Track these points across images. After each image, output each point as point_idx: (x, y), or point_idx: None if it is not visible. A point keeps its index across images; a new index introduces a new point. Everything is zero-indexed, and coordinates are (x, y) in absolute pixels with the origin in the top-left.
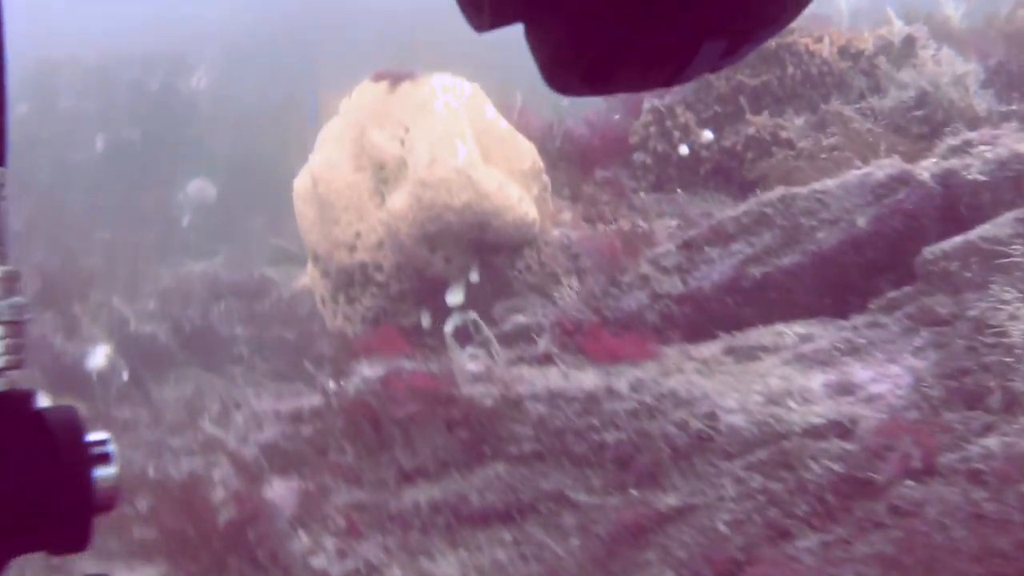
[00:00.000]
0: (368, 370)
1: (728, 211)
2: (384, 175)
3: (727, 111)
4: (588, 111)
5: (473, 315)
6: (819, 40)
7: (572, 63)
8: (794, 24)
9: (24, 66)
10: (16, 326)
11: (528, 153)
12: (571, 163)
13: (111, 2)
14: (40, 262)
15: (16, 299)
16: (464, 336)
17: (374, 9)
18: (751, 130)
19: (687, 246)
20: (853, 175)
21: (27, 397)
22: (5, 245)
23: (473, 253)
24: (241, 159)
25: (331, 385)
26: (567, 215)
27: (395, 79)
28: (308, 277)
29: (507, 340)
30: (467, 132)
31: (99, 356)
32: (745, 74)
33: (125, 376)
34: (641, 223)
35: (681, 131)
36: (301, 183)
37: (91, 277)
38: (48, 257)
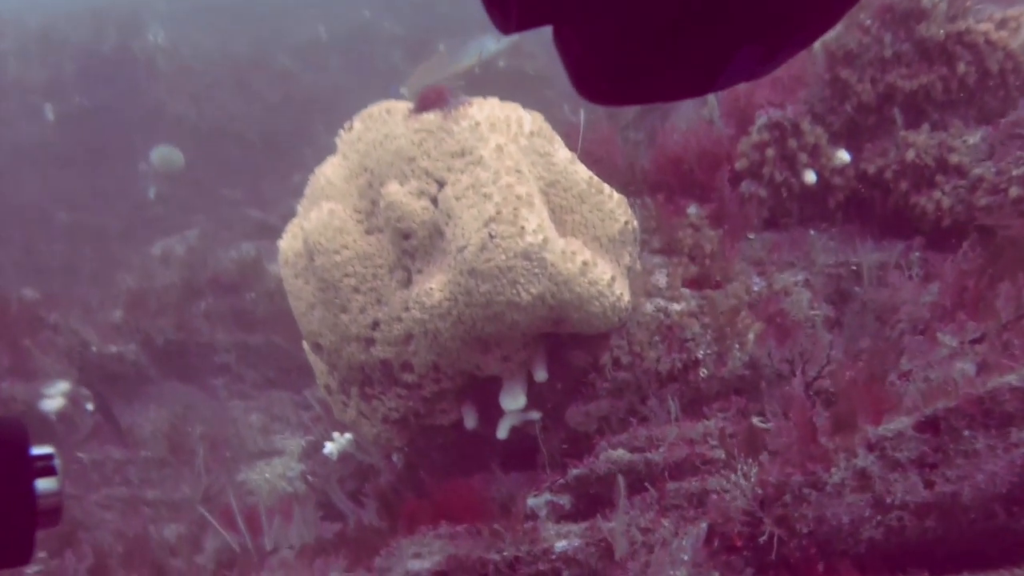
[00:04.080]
0: (415, 562)
1: (1009, 377)
2: (410, 246)
3: (869, 123)
4: (674, 118)
5: (536, 416)
6: (1002, 26)
7: (602, 69)
8: (968, 3)
9: None
10: None
11: (617, 211)
12: (656, 191)
13: None
14: None
15: None
16: (524, 442)
17: None
18: (909, 153)
19: (933, 426)
20: None
21: None
22: None
23: (540, 345)
24: (209, 121)
25: None
26: (661, 277)
27: (418, 107)
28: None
29: (598, 486)
30: (533, 191)
31: (55, 396)
32: (898, 74)
33: (90, 408)
34: (757, 280)
35: (808, 153)
36: (290, 247)
37: (40, 302)
38: None
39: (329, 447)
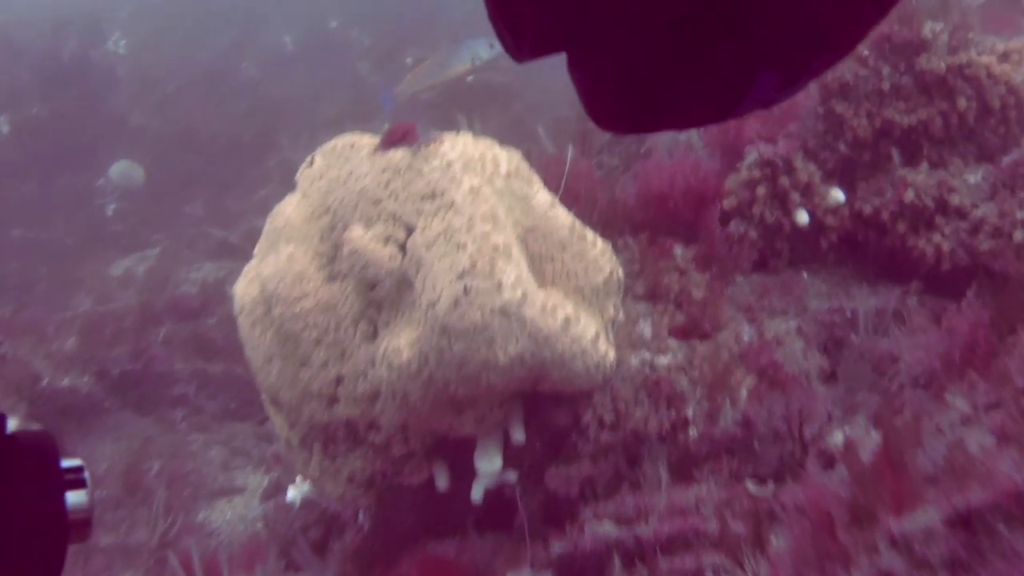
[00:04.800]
0: None
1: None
2: (376, 296)
3: (864, 160)
4: (650, 142)
5: (513, 477)
6: (1005, 59)
7: (618, 97)
8: (971, 35)
9: None
10: None
11: (601, 259)
12: (639, 230)
13: None
14: None
15: None
16: (501, 503)
17: None
18: (908, 193)
19: (965, 522)
20: None
21: None
22: None
23: (518, 402)
24: (171, 132)
25: None
26: (646, 327)
27: (385, 143)
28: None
29: (583, 563)
30: (511, 239)
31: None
32: (896, 109)
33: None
34: (748, 328)
35: (801, 192)
36: (246, 294)
37: None
38: None
39: (292, 493)
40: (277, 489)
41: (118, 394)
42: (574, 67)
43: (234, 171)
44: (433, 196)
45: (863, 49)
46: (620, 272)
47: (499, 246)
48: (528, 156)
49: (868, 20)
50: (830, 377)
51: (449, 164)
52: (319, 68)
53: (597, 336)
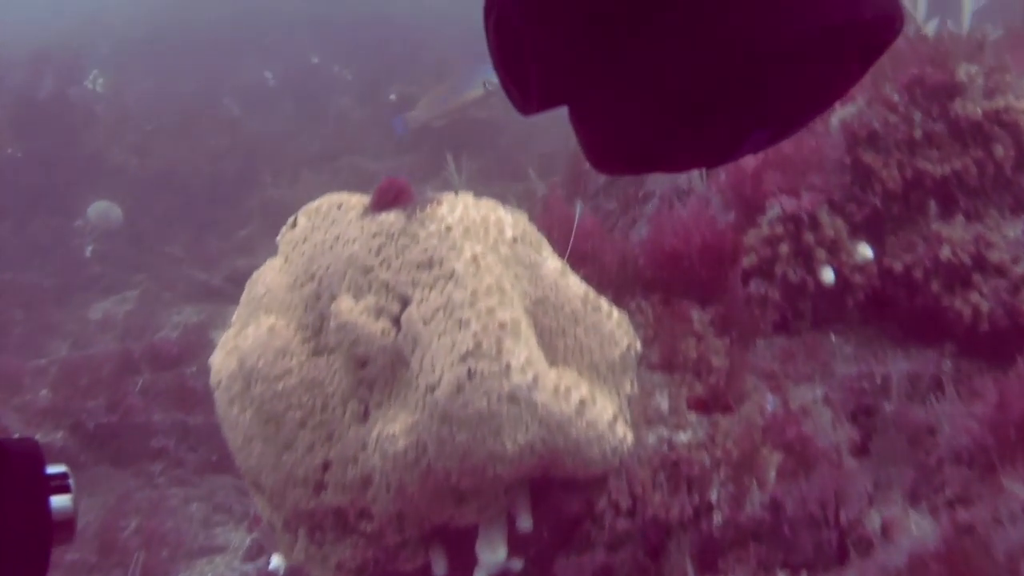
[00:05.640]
0: None
1: None
2: (367, 375)
3: (894, 213)
4: (649, 184)
5: (519, 565)
6: None
7: (618, 147)
8: (1007, 77)
9: None
10: None
11: (618, 332)
12: (651, 291)
13: None
14: None
15: None
16: None
17: None
18: (944, 250)
19: None
20: None
21: None
22: None
23: (525, 487)
24: (150, 171)
25: None
26: (663, 400)
27: (375, 204)
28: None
29: None
30: (519, 314)
31: None
32: (927, 158)
33: None
34: (771, 398)
35: (827, 248)
36: (223, 367)
37: None
38: None
39: (275, 561)
40: (259, 551)
41: (93, 448)
42: (576, 116)
43: (215, 210)
44: (431, 265)
45: (893, 94)
46: (638, 345)
47: (506, 323)
48: (520, 198)
49: (853, 77)
50: (861, 450)
51: (448, 229)
52: (301, 104)
53: (615, 418)
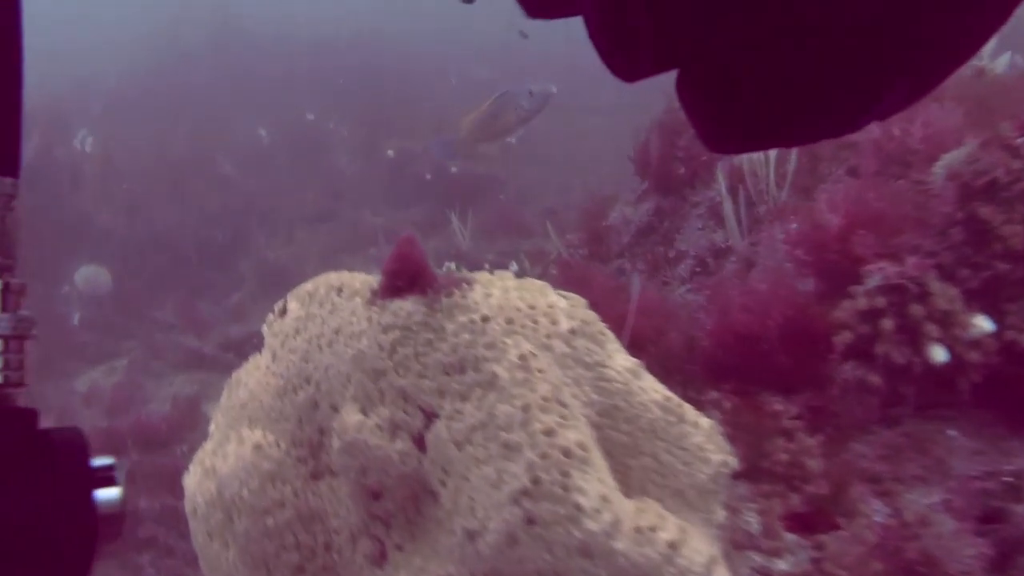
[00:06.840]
0: None
1: None
2: (381, 509)
3: (1017, 277)
4: (678, 243)
5: None
6: None
7: (734, 114)
8: None
9: None
10: (18, 341)
11: (708, 446)
12: (719, 379)
13: None
14: None
15: (23, 312)
16: None
17: (284, 49)
18: None
19: None
20: None
21: (31, 416)
22: (13, 257)
23: None
24: (139, 235)
25: None
26: (751, 517)
27: (386, 287)
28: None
29: None
30: (585, 434)
31: None
32: None
33: None
34: (879, 507)
35: (938, 323)
36: (199, 490)
37: None
38: None
39: None
40: None
41: None
42: (685, 83)
43: (207, 273)
44: (463, 369)
45: (1009, 131)
46: (733, 461)
47: (571, 449)
48: (532, 258)
49: (995, 23)
50: (996, 567)
51: (485, 320)
52: (296, 161)
53: (711, 561)
